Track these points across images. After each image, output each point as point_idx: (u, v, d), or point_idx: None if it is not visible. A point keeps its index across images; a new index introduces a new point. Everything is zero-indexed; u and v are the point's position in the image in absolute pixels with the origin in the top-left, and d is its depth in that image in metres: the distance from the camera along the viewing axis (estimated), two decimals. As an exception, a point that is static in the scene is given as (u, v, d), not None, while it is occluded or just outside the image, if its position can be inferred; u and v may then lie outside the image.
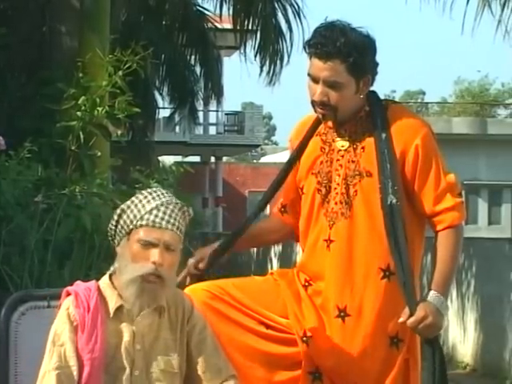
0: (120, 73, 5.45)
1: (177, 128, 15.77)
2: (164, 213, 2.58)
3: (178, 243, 2.61)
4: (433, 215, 2.93)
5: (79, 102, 5.53)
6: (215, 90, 12.60)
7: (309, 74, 2.92)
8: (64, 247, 4.90)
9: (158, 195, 2.62)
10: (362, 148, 2.96)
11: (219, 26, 11.57)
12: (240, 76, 12.84)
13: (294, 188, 3.13)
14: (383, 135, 2.92)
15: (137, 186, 5.40)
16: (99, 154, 5.70)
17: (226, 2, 10.39)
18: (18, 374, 2.78)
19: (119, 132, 5.94)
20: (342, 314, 2.93)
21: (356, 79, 2.90)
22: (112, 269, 2.66)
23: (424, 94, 55.33)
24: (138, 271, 2.55)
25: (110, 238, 2.69)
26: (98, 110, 5.49)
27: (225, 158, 31.45)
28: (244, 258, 17.46)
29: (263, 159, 39.10)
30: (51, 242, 4.81)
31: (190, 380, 2.67)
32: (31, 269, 4.73)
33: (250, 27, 10.12)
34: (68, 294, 2.62)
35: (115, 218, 2.64)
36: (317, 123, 3.06)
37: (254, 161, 43.31)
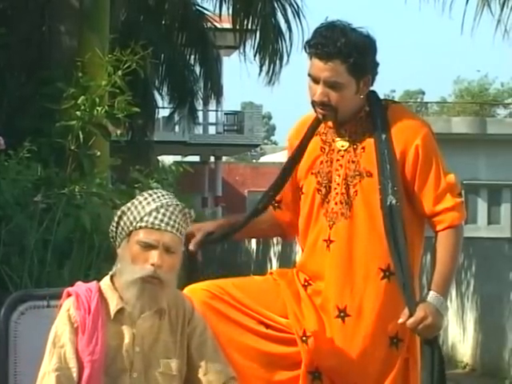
0: (119, 72, 5.45)
1: (176, 128, 15.75)
2: (164, 215, 2.57)
3: (179, 245, 2.60)
4: (433, 215, 2.92)
5: (79, 101, 5.53)
6: (215, 89, 12.61)
7: (309, 75, 2.92)
8: (63, 247, 4.90)
9: (159, 197, 2.62)
10: (363, 148, 2.96)
11: (219, 25, 11.57)
12: (239, 76, 12.87)
13: (290, 186, 3.12)
14: (383, 136, 2.92)
15: (136, 185, 5.41)
16: (99, 153, 5.70)
17: (225, 1, 10.39)
18: (17, 374, 2.79)
19: (119, 132, 5.94)
20: (342, 314, 2.93)
21: (356, 79, 2.89)
22: (114, 269, 2.66)
23: (423, 93, 55.32)
24: (137, 273, 2.54)
25: (111, 240, 2.69)
26: (97, 110, 5.49)
27: (224, 158, 31.46)
28: (244, 257, 17.46)
29: (263, 159, 39.08)
30: (51, 242, 4.81)
31: (191, 382, 2.67)
32: (31, 268, 4.73)
33: (249, 27, 10.12)
34: (69, 295, 2.62)
35: (116, 219, 2.63)
36: (317, 123, 3.06)
37: (254, 160, 43.32)
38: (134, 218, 2.58)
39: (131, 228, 2.59)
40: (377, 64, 2.95)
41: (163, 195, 2.63)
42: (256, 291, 3.03)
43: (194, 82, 12.50)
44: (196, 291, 2.95)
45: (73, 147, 5.54)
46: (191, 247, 3.07)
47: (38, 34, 6.93)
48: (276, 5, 10.19)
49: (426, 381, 2.88)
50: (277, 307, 2.99)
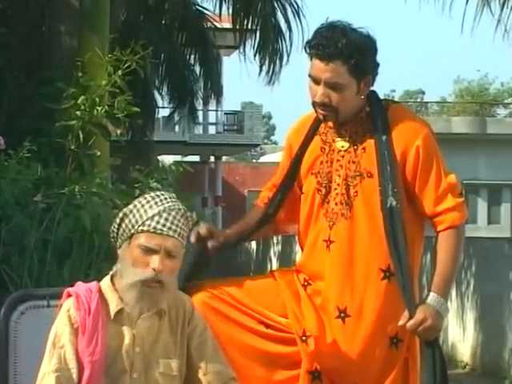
0: (119, 72, 5.44)
1: (176, 127, 15.75)
2: (166, 219, 2.57)
3: (180, 249, 2.60)
4: (434, 216, 2.92)
5: (79, 101, 5.52)
6: (215, 89, 12.61)
7: (310, 75, 2.92)
8: (63, 247, 4.90)
9: (161, 200, 2.61)
10: (363, 149, 2.96)
11: (219, 25, 11.56)
12: (239, 75, 12.85)
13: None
14: (383, 137, 2.92)
15: (136, 185, 5.40)
16: (99, 153, 5.69)
17: (225, 1, 10.38)
18: (17, 374, 2.79)
19: (119, 131, 5.93)
20: (343, 314, 2.93)
21: (357, 80, 2.89)
22: (114, 269, 2.66)
23: (423, 93, 55.31)
24: (137, 276, 2.54)
25: (112, 240, 2.68)
26: (97, 110, 5.49)
27: (224, 158, 31.44)
28: (244, 257, 17.47)
29: (262, 159, 39.06)
30: (51, 242, 4.81)
31: (190, 382, 2.67)
32: (31, 268, 4.73)
33: (249, 27, 10.11)
34: (69, 295, 2.61)
35: (117, 221, 2.63)
36: (317, 123, 3.06)
37: (254, 160, 43.30)
38: (136, 222, 2.58)
39: (133, 231, 2.58)
40: (377, 64, 2.95)
41: (165, 198, 2.62)
42: (256, 291, 3.03)
43: (194, 81, 12.49)
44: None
45: (73, 147, 5.54)
46: (213, 244, 3.05)
47: (38, 33, 6.93)
48: (276, 4, 10.19)
49: (427, 381, 2.88)
50: (276, 307, 2.99)
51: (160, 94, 12.56)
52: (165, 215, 2.57)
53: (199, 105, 13.67)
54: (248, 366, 2.93)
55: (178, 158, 27.46)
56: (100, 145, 5.76)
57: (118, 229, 2.62)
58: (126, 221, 2.60)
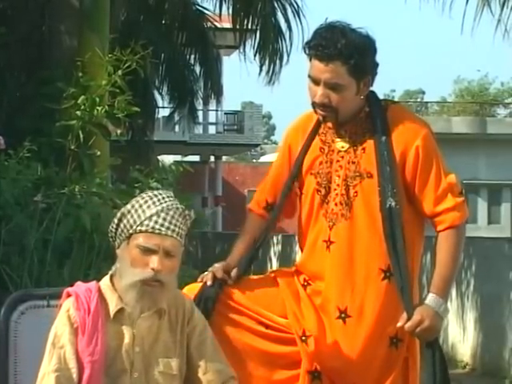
0: (119, 72, 5.45)
1: (176, 127, 15.76)
2: (164, 219, 2.57)
3: (178, 248, 2.60)
4: (434, 216, 2.92)
5: (79, 101, 5.53)
6: (215, 89, 12.60)
7: (309, 76, 2.91)
8: (63, 247, 4.90)
9: (159, 199, 2.60)
10: (363, 149, 2.96)
11: (219, 25, 11.56)
12: (239, 75, 12.87)
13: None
14: (383, 137, 2.91)
15: (136, 185, 5.41)
16: (99, 153, 5.70)
17: (225, 1, 10.39)
18: (17, 374, 2.78)
19: (119, 131, 5.93)
20: (343, 315, 2.93)
21: (357, 80, 2.89)
22: (113, 269, 2.66)
23: (423, 93, 55.31)
24: (137, 276, 2.54)
25: (110, 240, 2.68)
26: (97, 110, 5.49)
27: (224, 158, 31.44)
28: (243, 257, 17.40)
29: (263, 158, 39.04)
30: (51, 242, 4.81)
31: (190, 381, 2.67)
32: (31, 268, 4.73)
33: (249, 26, 10.11)
34: (68, 295, 2.62)
35: (115, 221, 2.63)
36: (318, 124, 3.05)
37: (254, 160, 43.30)
38: (134, 222, 2.58)
39: (131, 231, 2.58)
40: (376, 64, 2.95)
41: (163, 198, 2.62)
42: (255, 291, 3.03)
43: (194, 81, 12.49)
44: (195, 291, 2.96)
45: (73, 147, 5.54)
46: (230, 281, 3.01)
47: (38, 33, 6.93)
48: (276, 4, 10.19)
49: (427, 381, 2.88)
50: (276, 307, 2.99)
51: (160, 93, 12.56)
52: (163, 215, 2.57)
53: (199, 105, 13.67)
54: (248, 365, 2.93)
55: (178, 157, 27.45)
56: (100, 145, 5.76)
57: (117, 229, 2.62)
58: (124, 221, 2.60)
